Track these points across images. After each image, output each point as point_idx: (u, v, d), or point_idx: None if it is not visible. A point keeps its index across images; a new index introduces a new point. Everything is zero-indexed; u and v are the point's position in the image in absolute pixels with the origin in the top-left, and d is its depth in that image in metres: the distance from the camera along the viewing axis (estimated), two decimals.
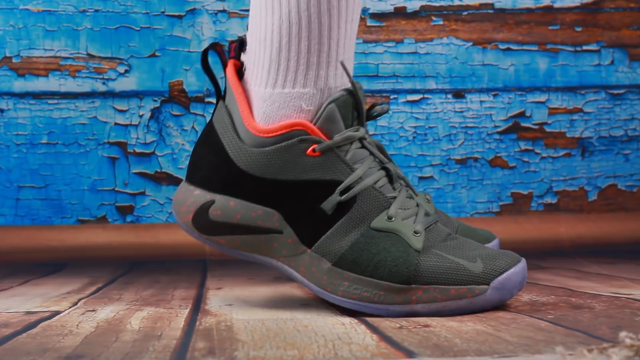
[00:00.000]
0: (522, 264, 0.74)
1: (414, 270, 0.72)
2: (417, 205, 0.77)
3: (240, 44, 0.78)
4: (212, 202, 0.75)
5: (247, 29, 0.78)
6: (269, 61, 0.75)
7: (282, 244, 0.74)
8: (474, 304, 0.72)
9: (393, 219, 0.74)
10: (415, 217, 0.75)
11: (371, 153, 0.76)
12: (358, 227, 0.74)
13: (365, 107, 0.78)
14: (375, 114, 0.81)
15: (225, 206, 0.75)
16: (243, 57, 0.78)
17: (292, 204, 0.74)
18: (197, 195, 0.76)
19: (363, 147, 0.76)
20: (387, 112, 0.82)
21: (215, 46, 0.78)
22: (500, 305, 0.76)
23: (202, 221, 0.76)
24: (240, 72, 0.79)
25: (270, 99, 0.75)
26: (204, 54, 0.78)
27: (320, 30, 0.74)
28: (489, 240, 0.94)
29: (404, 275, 0.72)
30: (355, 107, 0.75)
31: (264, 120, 0.75)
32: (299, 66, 0.74)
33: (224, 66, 0.78)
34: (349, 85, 0.76)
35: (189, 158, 1.48)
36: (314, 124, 0.74)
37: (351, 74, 0.75)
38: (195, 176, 0.77)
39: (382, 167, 0.77)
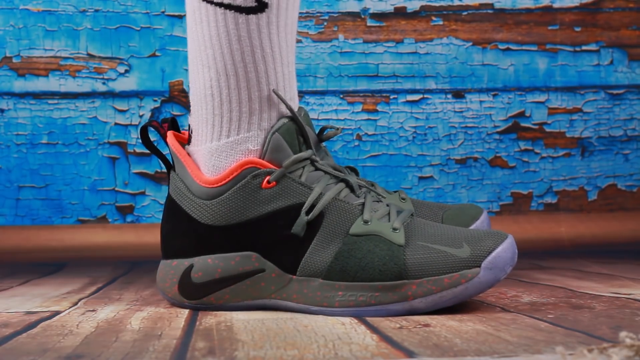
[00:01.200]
0: (510, 239, 0.75)
1: (402, 265, 0.73)
2: (387, 205, 0.78)
3: (172, 122, 0.81)
4: (191, 266, 0.77)
5: (189, 91, 0.81)
6: (212, 115, 0.77)
7: (268, 281, 0.75)
8: (469, 288, 0.73)
9: (370, 222, 0.75)
10: (388, 215, 0.77)
11: (325, 172, 0.77)
12: (335, 239, 0.75)
13: (313, 130, 0.80)
14: (325, 134, 0.82)
15: (204, 265, 0.76)
16: (190, 119, 0.80)
17: (264, 239, 0.75)
18: (175, 266, 0.78)
19: (316, 168, 0.77)
20: (338, 134, 0.83)
21: (150, 123, 0.81)
22: (500, 306, 0.76)
23: (187, 288, 0.77)
24: (189, 137, 0.81)
25: (217, 150, 0.77)
26: (143, 133, 0.81)
27: (257, 78, 0.76)
28: (477, 216, 0.94)
29: (394, 271, 0.73)
30: (299, 133, 0.77)
31: (214, 172, 0.77)
32: (241, 115, 0.77)
33: (164, 138, 0.81)
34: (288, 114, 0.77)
35: None
36: (263, 159, 0.76)
37: (293, 103, 0.78)
38: (169, 250, 0.79)
39: (340, 180, 0.78)
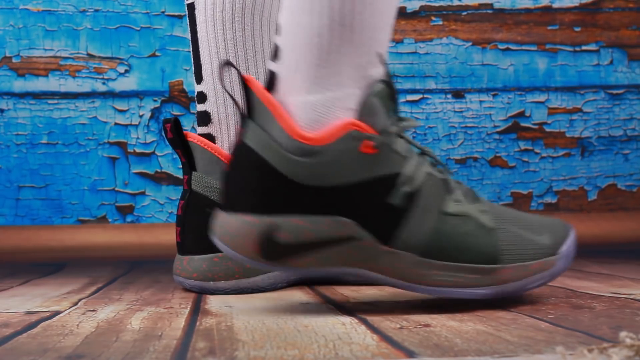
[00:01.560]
0: (574, 230, 0.79)
1: (497, 249, 0.74)
2: (460, 184, 0.77)
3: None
4: (275, 225, 0.70)
5: (280, 34, 0.73)
6: (316, 65, 0.71)
7: (360, 250, 0.71)
8: (549, 276, 0.76)
9: (461, 202, 0.74)
10: (471, 196, 0.76)
11: (408, 141, 0.74)
12: (430, 214, 0.73)
13: None
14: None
15: (293, 226, 0.70)
16: (275, 66, 0.72)
17: (360, 206, 0.71)
18: (255, 224, 0.70)
19: (402, 138, 0.74)
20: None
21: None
22: (500, 305, 0.76)
23: (270, 249, 0.70)
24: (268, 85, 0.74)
25: (317, 104, 0.71)
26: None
27: (370, 31, 0.71)
28: None
29: (491, 254, 0.73)
30: (391, 98, 0.73)
31: (312, 127, 0.71)
32: (347, 68, 0.71)
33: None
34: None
35: None
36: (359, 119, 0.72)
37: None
38: (241, 204, 0.70)
39: (422, 153, 0.75)
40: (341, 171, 0.70)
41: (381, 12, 0.71)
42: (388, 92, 0.72)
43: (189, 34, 0.90)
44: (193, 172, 0.84)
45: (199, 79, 0.88)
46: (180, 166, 1.49)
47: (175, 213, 0.86)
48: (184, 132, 0.86)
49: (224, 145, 0.83)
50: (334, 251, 0.71)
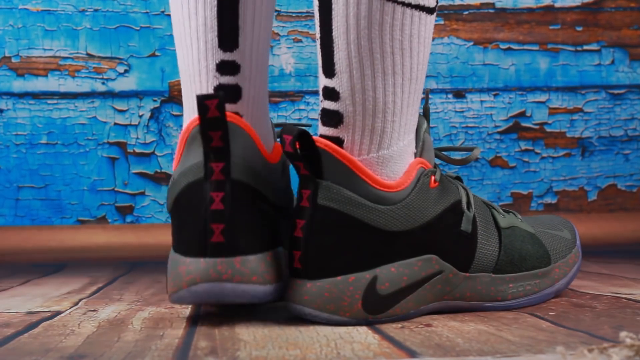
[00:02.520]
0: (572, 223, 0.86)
1: (546, 251, 0.79)
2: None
3: (301, 135, 0.68)
4: (375, 278, 0.69)
5: (336, 99, 0.70)
6: (385, 123, 0.70)
7: (445, 282, 0.72)
8: (578, 267, 0.82)
9: (502, 214, 0.79)
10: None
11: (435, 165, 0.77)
12: (491, 232, 0.76)
13: None
14: None
15: (390, 275, 0.69)
16: (334, 131, 0.70)
17: (441, 240, 0.72)
18: (354, 282, 0.68)
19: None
20: None
21: (298, 132, 0.68)
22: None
23: (372, 302, 0.68)
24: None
25: (390, 158, 0.71)
26: (299, 140, 0.68)
27: (422, 81, 0.73)
28: None
29: (545, 258, 0.78)
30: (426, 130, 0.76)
31: (388, 177, 0.71)
32: (412, 117, 0.72)
33: (309, 147, 0.69)
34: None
35: None
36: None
37: None
38: (334, 266, 0.68)
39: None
40: (422, 210, 0.71)
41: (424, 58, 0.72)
42: (425, 125, 0.75)
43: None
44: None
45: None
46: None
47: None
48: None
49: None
50: (426, 290, 0.71)
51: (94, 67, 1.49)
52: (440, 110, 1.52)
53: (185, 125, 0.70)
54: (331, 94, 0.70)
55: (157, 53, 1.49)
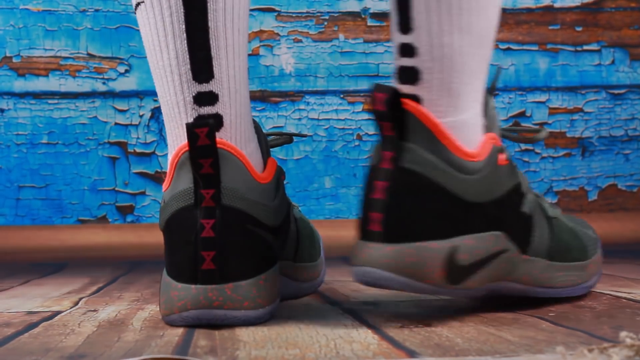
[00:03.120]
0: None
1: (585, 245, 0.80)
2: None
3: (395, 94, 0.67)
4: (455, 248, 0.67)
5: (413, 55, 0.69)
6: (463, 84, 0.70)
7: (508, 262, 0.72)
8: (602, 265, 0.83)
9: (550, 205, 0.79)
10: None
11: None
12: (544, 219, 0.76)
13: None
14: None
15: (467, 247, 0.68)
16: (413, 89, 0.69)
17: (506, 218, 0.71)
18: (438, 250, 0.66)
19: None
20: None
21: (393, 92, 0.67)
22: (501, 305, 0.76)
23: (454, 272, 0.67)
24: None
25: (467, 122, 0.70)
26: (392, 99, 0.67)
27: (488, 50, 0.72)
28: None
29: (584, 252, 0.79)
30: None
31: (469, 146, 0.69)
32: (480, 83, 0.71)
33: (394, 104, 0.67)
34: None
35: None
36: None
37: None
38: (417, 229, 0.66)
39: None
40: (493, 185, 0.70)
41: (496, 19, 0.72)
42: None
43: None
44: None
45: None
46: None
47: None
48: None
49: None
50: (492, 267, 0.70)
51: (94, 67, 1.49)
52: None
53: (174, 150, 0.70)
54: (408, 49, 0.69)
55: None
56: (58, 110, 1.48)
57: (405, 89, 0.68)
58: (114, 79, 1.49)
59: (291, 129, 1.50)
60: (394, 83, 0.69)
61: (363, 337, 0.62)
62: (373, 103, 0.67)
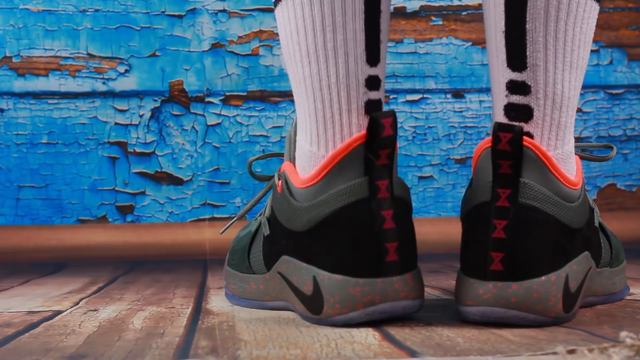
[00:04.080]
0: None
1: (622, 248, 0.82)
2: None
3: (520, 134, 0.66)
4: (567, 275, 0.67)
5: (526, 93, 0.70)
6: (570, 117, 0.71)
7: (591, 279, 0.73)
8: None
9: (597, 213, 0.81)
10: None
11: None
12: (599, 228, 0.78)
13: None
14: None
15: (574, 272, 0.68)
16: (526, 126, 0.70)
17: (591, 237, 0.73)
18: (556, 281, 0.67)
19: None
20: None
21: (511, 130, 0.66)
22: None
23: (567, 300, 0.67)
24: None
25: (568, 154, 0.71)
26: (516, 140, 0.66)
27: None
28: None
29: (623, 254, 0.81)
30: None
31: (571, 175, 0.71)
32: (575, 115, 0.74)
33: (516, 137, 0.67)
34: None
35: (189, 158, 1.48)
36: None
37: None
38: (538, 264, 0.67)
39: None
40: (586, 208, 0.71)
41: None
42: None
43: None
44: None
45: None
46: (181, 166, 1.49)
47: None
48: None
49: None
50: (585, 288, 0.71)
51: (94, 67, 1.49)
52: (439, 110, 1.52)
53: (342, 144, 0.67)
54: (521, 87, 0.69)
55: (157, 53, 1.49)
56: (58, 110, 1.48)
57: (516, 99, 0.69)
58: (114, 79, 1.49)
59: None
60: (500, 119, 0.69)
61: (364, 337, 0.62)
62: (497, 143, 0.66)
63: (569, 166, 0.71)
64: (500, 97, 0.70)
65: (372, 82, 0.69)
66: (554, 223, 0.67)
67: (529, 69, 0.69)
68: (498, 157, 0.66)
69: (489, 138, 0.68)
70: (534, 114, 0.69)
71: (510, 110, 0.69)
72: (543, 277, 0.66)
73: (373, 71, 0.69)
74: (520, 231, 0.66)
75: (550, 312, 0.66)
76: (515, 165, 0.67)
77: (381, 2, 0.69)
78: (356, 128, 0.68)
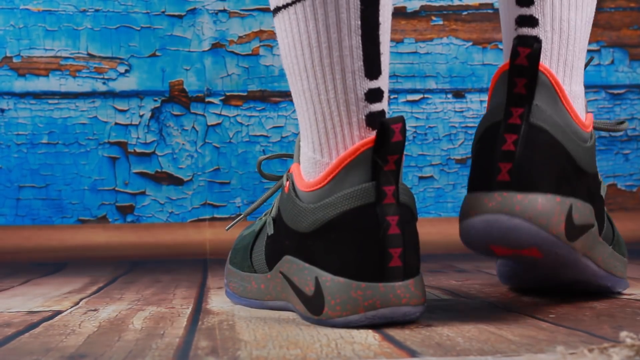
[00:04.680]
0: None
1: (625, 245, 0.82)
2: None
3: (538, 52, 0.69)
4: (571, 206, 0.70)
5: (537, 26, 0.73)
6: (580, 59, 0.75)
7: (592, 237, 0.74)
8: None
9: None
10: None
11: None
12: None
13: None
14: None
15: (579, 209, 0.71)
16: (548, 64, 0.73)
17: (596, 196, 0.74)
18: (561, 203, 0.69)
19: None
20: None
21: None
22: (501, 305, 0.76)
23: (570, 228, 0.70)
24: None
25: (576, 96, 0.74)
26: (534, 57, 0.69)
27: (588, 33, 0.77)
28: None
29: (625, 250, 0.81)
30: None
31: (582, 115, 0.74)
32: (583, 63, 0.76)
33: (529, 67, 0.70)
34: None
35: (190, 158, 1.48)
36: None
37: None
38: (543, 183, 0.69)
39: None
40: (593, 159, 0.74)
41: None
42: None
43: None
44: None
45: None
46: (181, 166, 1.49)
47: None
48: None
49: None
50: (587, 236, 0.72)
51: (94, 67, 1.49)
52: (440, 110, 1.52)
53: (350, 149, 0.67)
54: (529, 20, 0.72)
55: (157, 53, 1.49)
56: (58, 110, 1.48)
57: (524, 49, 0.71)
58: (114, 79, 1.49)
59: (291, 129, 1.50)
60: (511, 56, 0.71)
61: (364, 337, 0.62)
62: (514, 57, 0.69)
63: (579, 107, 0.72)
64: (510, 33, 0.73)
65: (373, 95, 0.69)
66: (562, 150, 0.69)
67: (536, 3, 0.72)
68: (515, 74, 0.69)
69: (507, 62, 0.70)
70: (543, 45, 0.71)
71: (520, 42, 0.71)
72: (548, 195, 0.68)
73: (373, 84, 0.69)
74: (529, 146, 0.68)
75: (552, 229, 0.68)
76: (530, 85, 0.69)
77: (379, 15, 0.68)
78: (358, 140, 0.68)
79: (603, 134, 1.55)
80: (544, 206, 0.68)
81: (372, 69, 0.69)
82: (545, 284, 0.81)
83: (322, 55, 0.68)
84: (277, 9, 0.70)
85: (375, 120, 0.69)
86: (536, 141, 0.69)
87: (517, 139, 0.68)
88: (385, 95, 0.70)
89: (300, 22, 0.68)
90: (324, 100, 0.69)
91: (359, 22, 0.68)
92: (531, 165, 0.68)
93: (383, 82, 0.70)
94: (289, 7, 0.69)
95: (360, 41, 0.68)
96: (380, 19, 0.68)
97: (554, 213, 0.68)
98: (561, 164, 0.69)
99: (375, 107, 0.69)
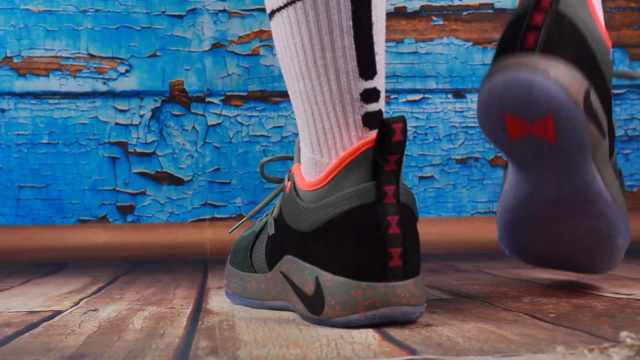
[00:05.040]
0: None
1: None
2: None
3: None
4: (591, 87, 0.75)
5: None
6: None
7: (604, 149, 0.77)
8: None
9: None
10: None
11: None
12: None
13: None
14: None
15: (595, 96, 0.76)
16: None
17: (608, 113, 0.79)
18: (581, 79, 0.75)
19: None
20: None
21: None
22: (502, 305, 0.76)
23: (587, 103, 0.75)
24: None
25: (599, 9, 0.81)
26: None
27: None
28: None
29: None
30: None
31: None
32: None
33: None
34: None
35: (190, 158, 1.48)
36: None
37: None
38: (566, 57, 0.75)
39: None
40: (610, 72, 0.78)
41: None
42: None
43: None
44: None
45: None
46: (181, 166, 1.49)
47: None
48: None
49: None
50: (596, 137, 0.76)
51: (95, 67, 1.49)
52: (440, 110, 1.52)
53: (350, 148, 0.67)
54: None
55: (158, 53, 1.49)
56: (59, 110, 1.48)
57: None
58: (115, 79, 1.49)
59: (292, 129, 1.50)
60: None
61: (364, 337, 0.62)
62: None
63: (599, 15, 0.78)
64: None
65: (369, 95, 0.69)
66: (583, 40, 0.75)
67: None
68: None
69: None
70: None
71: None
72: (570, 67, 0.74)
73: (369, 84, 0.69)
74: (555, 22, 0.75)
75: (573, 94, 0.73)
76: None
77: (372, 15, 0.68)
78: (356, 140, 0.68)
79: None
80: (567, 70, 0.73)
81: (366, 69, 0.69)
82: (550, 256, 0.84)
83: (316, 57, 0.68)
84: (273, 12, 0.70)
85: (372, 120, 0.69)
86: (562, 25, 0.75)
87: (545, 17, 0.75)
88: (382, 95, 0.70)
89: (293, 24, 0.69)
90: (320, 102, 0.69)
91: (351, 23, 0.68)
92: (556, 38, 0.74)
93: (379, 82, 0.69)
94: (282, 10, 0.69)
95: (353, 42, 0.68)
96: (373, 19, 0.68)
97: (576, 81, 0.73)
98: (582, 51, 0.75)
99: (372, 107, 0.69)
